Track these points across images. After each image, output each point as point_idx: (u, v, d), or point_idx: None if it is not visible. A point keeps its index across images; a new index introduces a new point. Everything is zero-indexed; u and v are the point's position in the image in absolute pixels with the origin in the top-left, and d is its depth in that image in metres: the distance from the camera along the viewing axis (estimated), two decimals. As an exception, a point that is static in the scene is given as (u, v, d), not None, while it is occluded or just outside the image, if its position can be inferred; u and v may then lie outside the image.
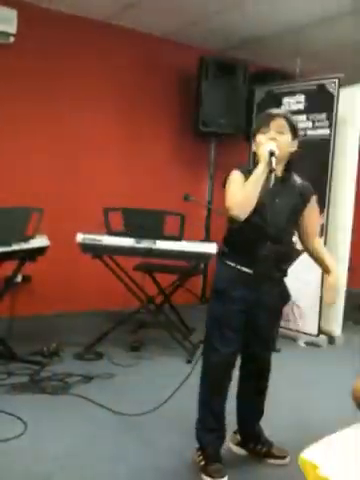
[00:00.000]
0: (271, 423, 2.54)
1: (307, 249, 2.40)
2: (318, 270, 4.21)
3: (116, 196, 4.58)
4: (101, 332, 3.86)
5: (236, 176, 2.16)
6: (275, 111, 2.23)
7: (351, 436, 1.55)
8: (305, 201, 2.28)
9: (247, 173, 2.14)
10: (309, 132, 4.36)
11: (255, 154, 2.20)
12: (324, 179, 4.22)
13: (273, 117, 2.17)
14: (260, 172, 2.07)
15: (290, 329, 4.48)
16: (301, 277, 4.39)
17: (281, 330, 4.47)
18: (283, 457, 2.39)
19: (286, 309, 4.46)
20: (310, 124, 4.35)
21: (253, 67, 5.04)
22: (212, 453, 2.28)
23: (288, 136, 2.17)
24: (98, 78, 4.78)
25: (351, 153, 4.30)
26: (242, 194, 2.08)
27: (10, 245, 3.19)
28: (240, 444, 2.47)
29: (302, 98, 4.42)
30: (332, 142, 4.20)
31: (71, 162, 4.71)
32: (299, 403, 3.08)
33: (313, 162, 4.33)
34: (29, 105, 4.48)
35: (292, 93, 4.49)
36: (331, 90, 4.22)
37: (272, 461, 2.39)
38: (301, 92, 4.43)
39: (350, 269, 4.44)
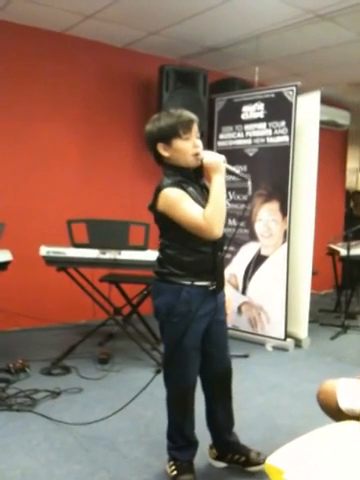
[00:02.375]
0: (239, 429, 2.55)
1: None
2: (283, 275, 4.33)
3: (79, 208, 4.57)
4: (68, 346, 3.82)
5: (181, 195, 2.03)
6: (191, 114, 2.12)
7: (315, 440, 1.57)
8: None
9: (182, 188, 2.05)
10: (269, 139, 4.44)
11: (161, 159, 2.13)
12: (285, 185, 4.30)
13: (193, 121, 2.09)
14: (222, 185, 2.05)
15: (257, 334, 4.52)
16: (266, 283, 4.46)
17: (249, 335, 4.55)
18: (263, 460, 2.34)
19: (253, 314, 4.54)
20: (270, 132, 4.43)
21: (213, 75, 5.09)
22: (185, 465, 2.27)
23: (200, 141, 2.14)
24: (57, 90, 4.74)
25: (311, 159, 4.39)
26: (218, 210, 2.02)
27: (-29, 261, 3.14)
28: (218, 458, 2.42)
29: (261, 106, 4.49)
30: (292, 149, 4.28)
31: (31, 175, 4.65)
32: (267, 408, 3.11)
33: (274, 169, 4.43)
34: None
35: (251, 101, 4.56)
36: (289, 98, 4.31)
37: (253, 469, 2.34)
38: (260, 100, 4.51)
39: (313, 273, 4.52)
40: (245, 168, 4.60)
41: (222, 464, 2.42)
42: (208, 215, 2.00)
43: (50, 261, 3.63)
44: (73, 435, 2.64)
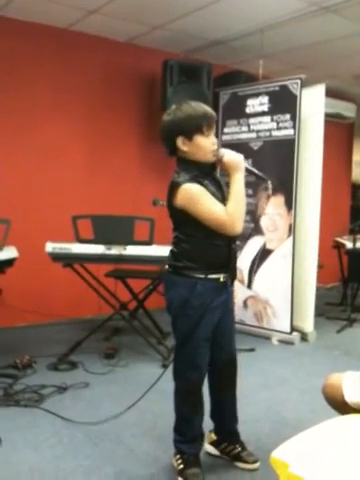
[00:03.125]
0: (246, 422, 2.56)
1: None
2: (289, 268, 4.32)
3: (84, 204, 4.57)
4: (75, 341, 3.84)
5: (200, 191, 2.05)
6: (213, 112, 2.14)
7: (321, 433, 1.57)
8: None
9: (199, 183, 2.06)
10: (274, 133, 4.42)
11: (178, 153, 2.12)
12: (290, 179, 4.29)
13: (214, 119, 2.12)
14: (242, 182, 2.09)
15: (263, 328, 4.52)
16: (272, 276, 4.46)
17: (255, 329, 4.55)
18: (253, 461, 2.35)
19: (259, 308, 4.54)
20: (274, 125, 4.41)
21: (217, 69, 5.07)
22: (192, 459, 2.28)
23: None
24: (61, 86, 4.74)
25: (316, 152, 4.37)
26: (240, 207, 2.07)
27: (-23, 258, 3.15)
28: (214, 443, 2.47)
29: (266, 99, 4.48)
30: (297, 142, 4.27)
31: (37, 172, 4.65)
32: (273, 402, 3.12)
33: (279, 162, 4.41)
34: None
35: (256, 95, 4.54)
36: (294, 91, 4.29)
37: (241, 465, 2.36)
38: (265, 93, 4.49)
39: (319, 266, 4.51)
40: (250, 162, 4.57)
41: (215, 451, 2.45)
42: (231, 211, 2.05)
43: (56, 257, 3.65)
44: (80, 430, 2.66)
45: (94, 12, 4.33)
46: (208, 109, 2.13)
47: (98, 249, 3.61)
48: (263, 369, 3.73)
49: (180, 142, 2.09)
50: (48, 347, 3.97)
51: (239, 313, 4.63)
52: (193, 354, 2.21)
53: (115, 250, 3.60)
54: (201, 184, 2.07)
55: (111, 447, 2.51)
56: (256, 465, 2.35)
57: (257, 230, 4.56)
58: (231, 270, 2.22)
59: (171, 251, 2.24)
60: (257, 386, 3.37)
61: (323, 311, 5.26)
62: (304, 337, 4.44)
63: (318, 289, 4.55)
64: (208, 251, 2.15)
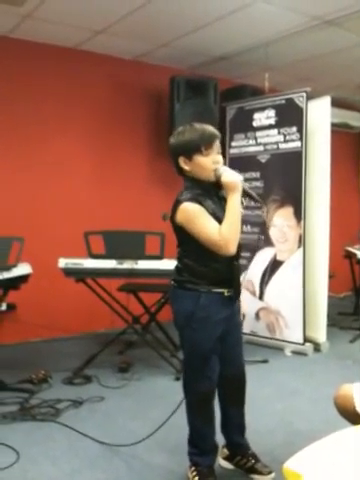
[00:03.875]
0: (260, 434, 2.58)
1: None
2: (300, 279, 4.34)
3: (95, 219, 4.64)
4: (89, 355, 3.88)
5: (197, 210, 2.10)
6: (215, 131, 2.19)
7: (334, 444, 1.59)
8: None
9: (199, 203, 2.11)
10: (281, 145, 4.47)
11: (183, 172, 2.19)
12: (298, 190, 4.32)
13: (215, 138, 2.16)
14: (238, 203, 2.11)
15: (276, 339, 4.54)
16: (284, 288, 4.48)
17: (267, 341, 4.57)
18: (268, 473, 2.37)
19: (271, 319, 4.56)
20: (281, 138, 4.46)
21: (223, 84, 5.13)
22: (206, 471, 2.31)
23: (221, 156, 2.20)
24: (69, 104, 4.83)
25: (323, 163, 4.40)
26: (233, 229, 2.08)
27: (-7, 275, 3.21)
28: (228, 458, 2.49)
29: (272, 113, 4.53)
30: (304, 154, 4.31)
31: (47, 189, 4.73)
32: (287, 413, 3.13)
33: (287, 174, 4.46)
34: (1, 134, 4.51)
35: (262, 108, 4.60)
36: (299, 104, 4.34)
37: (256, 477, 2.38)
38: (271, 107, 4.54)
39: (331, 276, 4.53)
40: (258, 174, 4.63)
41: (230, 465, 2.48)
42: (223, 232, 2.07)
43: (69, 273, 3.70)
44: (96, 444, 2.69)
45: (101, 32, 4.43)
46: (208, 129, 2.18)
47: (110, 264, 3.66)
48: (276, 380, 3.74)
49: (182, 162, 2.18)
50: (62, 361, 4.02)
51: (251, 324, 4.65)
52: (201, 366, 2.24)
53: (127, 264, 3.65)
54: (201, 203, 2.11)
55: (127, 460, 2.54)
56: (271, 476, 2.37)
57: (267, 242, 4.60)
58: (235, 286, 2.23)
59: (176, 266, 2.29)
60: (270, 397, 3.39)
61: (336, 321, 5.26)
62: (317, 347, 4.44)
63: (330, 299, 4.55)
64: (210, 267, 2.18)
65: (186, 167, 2.18)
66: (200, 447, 2.33)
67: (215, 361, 2.27)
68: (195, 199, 2.11)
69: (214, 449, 2.37)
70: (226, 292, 2.21)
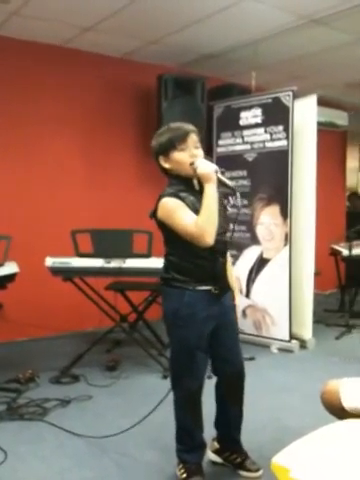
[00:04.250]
0: (248, 430, 2.59)
1: None
2: (286, 277, 4.37)
3: (84, 219, 4.61)
4: (76, 354, 3.87)
5: (175, 204, 2.13)
6: (188, 126, 2.22)
7: (321, 438, 1.62)
8: (225, 208, 2.38)
9: (179, 198, 2.13)
10: (268, 144, 4.50)
11: (166, 171, 2.24)
12: (285, 188, 4.36)
13: (188, 133, 2.19)
14: (213, 193, 2.11)
15: (263, 336, 4.57)
16: (270, 285, 4.51)
17: (254, 338, 4.60)
18: (256, 470, 2.39)
19: (258, 317, 4.59)
20: (268, 136, 4.48)
21: (211, 82, 5.15)
22: (194, 468, 2.32)
23: (201, 150, 2.22)
24: (58, 102, 4.81)
25: (309, 162, 4.43)
26: (207, 219, 2.07)
27: (-21, 274, 3.19)
28: (217, 452, 2.51)
29: (259, 111, 4.55)
30: (290, 152, 4.34)
31: (35, 188, 4.71)
32: (275, 409, 3.16)
33: (273, 173, 4.49)
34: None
35: (249, 107, 4.62)
36: (286, 102, 4.37)
37: (244, 473, 2.41)
38: (258, 106, 4.57)
39: (316, 274, 4.57)
40: (245, 173, 4.66)
41: (218, 459, 2.50)
42: (199, 223, 2.07)
43: (56, 271, 3.69)
44: (85, 442, 2.69)
45: (89, 29, 4.42)
46: (182, 126, 2.22)
47: (97, 262, 3.66)
48: (263, 377, 3.77)
49: (162, 161, 2.23)
50: (50, 361, 4.01)
51: (238, 322, 4.67)
52: (187, 363, 2.25)
53: (114, 263, 3.65)
54: (180, 198, 2.14)
55: (116, 458, 2.55)
56: (259, 473, 2.39)
57: (254, 239, 4.63)
58: (219, 282, 2.24)
59: (163, 264, 2.31)
60: (258, 394, 3.40)
61: (322, 318, 5.31)
62: (303, 344, 4.48)
63: (316, 296, 4.60)
64: (194, 264, 2.19)
65: (166, 165, 2.22)
66: (187, 444, 2.35)
67: (202, 359, 2.28)
68: (175, 194, 2.15)
69: (202, 446, 2.39)
70: (213, 289, 2.22)
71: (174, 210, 2.12)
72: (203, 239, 2.07)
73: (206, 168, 2.13)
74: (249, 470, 2.41)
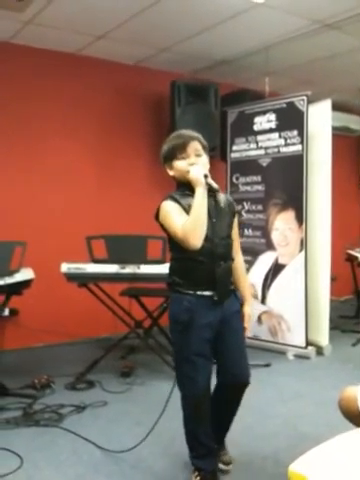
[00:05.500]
0: (263, 436, 2.58)
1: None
2: (302, 282, 4.34)
3: (97, 224, 4.64)
4: (91, 360, 3.88)
5: (172, 206, 2.17)
6: (189, 134, 2.26)
7: (338, 446, 1.59)
8: (234, 215, 2.37)
9: (176, 201, 2.18)
10: (282, 149, 4.48)
11: (174, 178, 2.29)
12: (300, 194, 4.33)
13: (188, 141, 2.22)
14: (202, 197, 2.12)
15: (278, 343, 4.53)
16: (285, 291, 4.48)
17: (269, 344, 4.56)
18: (228, 463, 2.45)
19: (273, 323, 4.55)
20: (282, 141, 4.47)
21: (224, 88, 5.15)
22: (209, 476, 2.31)
23: (205, 157, 2.26)
24: (71, 109, 4.85)
25: (324, 166, 4.41)
26: (193, 222, 2.08)
27: (-5, 280, 3.21)
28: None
29: (273, 117, 4.54)
30: (305, 157, 4.32)
31: (49, 194, 4.75)
32: (290, 416, 3.12)
33: (288, 178, 4.47)
34: (4, 139, 4.53)
35: (263, 112, 4.62)
36: (300, 107, 4.35)
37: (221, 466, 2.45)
38: (272, 111, 4.56)
39: (332, 279, 4.53)
40: (259, 178, 4.65)
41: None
42: (186, 226, 2.08)
43: (71, 277, 3.71)
44: (100, 449, 2.69)
45: (102, 37, 4.46)
46: (183, 134, 2.28)
47: (112, 268, 3.66)
48: (279, 384, 3.73)
49: (167, 169, 2.30)
50: (65, 367, 4.01)
51: (253, 328, 4.64)
52: (187, 368, 2.24)
53: (129, 269, 3.65)
54: (177, 202, 2.18)
55: (131, 465, 2.53)
56: (228, 467, 2.45)
57: (269, 245, 4.60)
58: (219, 288, 2.21)
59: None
60: (273, 401, 3.38)
61: (337, 324, 5.25)
62: (319, 351, 4.43)
63: (332, 302, 4.55)
64: (192, 267, 2.19)
65: (171, 173, 2.28)
66: (197, 450, 2.34)
67: (203, 365, 2.24)
68: (173, 198, 2.20)
69: (212, 452, 2.37)
70: (215, 296, 2.20)
71: (168, 212, 2.17)
72: (188, 241, 2.07)
73: (195, 173, 2.16)
74: (223, 462, 2.46)
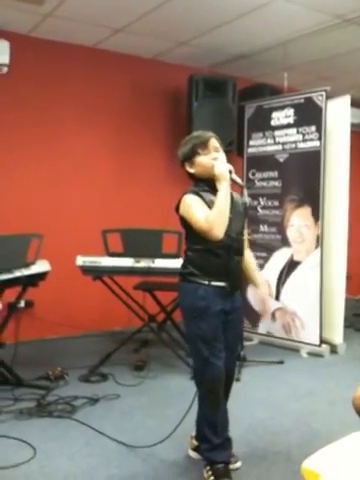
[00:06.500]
0: (276, 433, 2.57)
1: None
2: (317, 280, 4.31)
3: (113, 218, 4.65)
4: (105, 353, 3.90)
5: (194, 200, 2.27)
6: (208, 133, 2.38)
7: (352, 444, 1.58)
8: (246, 213, 2.47)
9: (199, 195, 2.28)
10: (300, 145, 4.44)
11: (191, 175, 2.38)
12: (317, 190, 4.30)
13: (208, 139, 2.34)
14: (227, 190, 2.23)
15: (292, 340, 4.51)
16: (300, 288, 4.45)
17: (283, 341, 4.55)
18: (235, 462, 2.44)
19: (287, 320, 4.53)
20: (300, 137, 4.43)
21: (242, 82, 5.12)
22: (222, 469, 2.32)
23: (222, 153, 2.36)
24: (89, 103, 4.87)
25: (342, 163, 4.37)
26: (218, 213, 2.19)
27: (12, 272, 3.24)
28: (196, 449, 2.55)
29: (291, 112, 4.51)
30: (323, 153, 4.28)
31: (66, 187, 4.77)
32: (304, 413, 3.11)
33: (305, 174, 4.43)
34: (24, 133, 4.56)
35: (281, 107, 4.58)
36: (319, 103, 4.31)
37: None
38: (290, 106, 4.52)
39: (348, 277, 4.49)
40: (276, 174, 4.61)
41: (198, 456, 2.52)
42: (209, 217, 2.19)
43: (86, 270, 3.73)
44: (112, 441, 2.70)
45: (120, 31, 4.45)
46: (203, 133, 2.39)
47: (127, 262, 3.67)
48: (292, 381, 3.72)
49: (188, 167, 2.39)
50: (79, 359, 4.04)
51: (267, 325, 4.64)
52: (206, 353, 2.30)
53: (144, 263, 3.66)
54: (199, 195, 2.28)
55: (143, 457, 2.55)
56: (238, 464, 2.45)
57: (284, 241, 4.58)
58: (231, 279, 2.32)
59: (182, 259, 2.43)
60: (286, 398, 3.37)
61: (352, 322, 5.22)
62: (333, 349, 4.40)
63: (347, 300, 4.51)
64: (209, 259, 2.30)
65: (191, 170, 2.37)
66: (212, 441, 2.36)
67: (219, 349, 2.33)
68: (195, 192, 2.31)
69: (227, 443, 2.40)
70: (227, 286, 2.31)
71: (190, 205, 2.26)
72: (211, 233, 2.17)
73: (220, 168, 2.26)
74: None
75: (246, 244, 2.50)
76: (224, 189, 2.22)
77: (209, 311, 2.28)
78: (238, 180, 2.33)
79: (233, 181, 2.30)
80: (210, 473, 2.32)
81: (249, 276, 2.55)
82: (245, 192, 2.38)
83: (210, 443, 2.36)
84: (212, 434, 2.36)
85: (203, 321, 2.28)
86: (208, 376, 2.32)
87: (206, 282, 2.29)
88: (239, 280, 2.40)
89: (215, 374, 2.32)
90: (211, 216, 2.19)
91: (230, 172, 2.25)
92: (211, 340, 2.30)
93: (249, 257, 2.55)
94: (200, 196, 2.28)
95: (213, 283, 2.30)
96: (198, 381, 2.39)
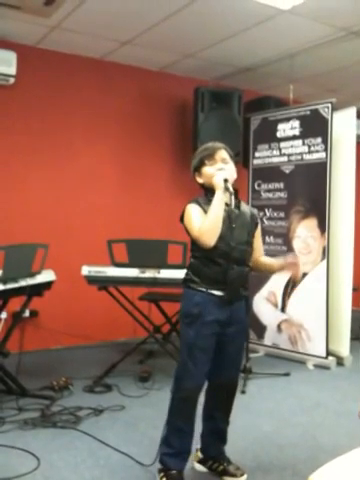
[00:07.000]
0: (282, 446, 2.54)
1: (253, 267, 2.51)
2: (323, 293, 4.29)
3: (119, 228, 4.67)
4: (109, 364, 3.88)
5: (194, 208, 2.31)
6: (216, 144, 2.42)
7: (358, 458, 1.56)
8: (256, 225, 2.47)
9: (201, 205, 2.31)
10: (305, 156, 4.45)
11: (202, 186, 2.42)
12: (323, 201, 4.29)
13: (216, 150, 2.38)
14: (219, 198, 2.24)
15: (298, 352, 4.48)
16: (306, 300, 4.43)
17: (289, 353, 4.52)
18: (241, 475, 2.43)
19: (293, 332, 4.51)
20: (306, 149, 4.44)
21: (247, 95, 5.14)
22: (176, 475, 2.33)
23: (231, 165, 2.40)
24: (96, 114, 4.90)
25: (348, 174, 4.37)
26: (208, 221, 2.22)
27: (17, 281, 3.24)
28: (201, 461, 2.54)
29: (297, 124, 4.52)
30: (329, 165, 4.28)
31: (72, 197, 4.79)
32: (310, 427, 3.07)
33: (311, 185, 4.43)
34: (30, 144, 4.59)
35: (287, 119, 4.59)
36: (324, 114, 4.32)
37: (229, 479, 2.43)
38: (295, 118, 4.53)
39: (354, 289, 4.46)
40: (282, 185, 4.62)
41: (203, 468, 2.53)
42: (202, 225, 2.23)
43: (91, 280, 3.73)
44: (116, 452, 2.68)
45: (127, 43, 4.49)
46: (211, 144, 2.42)
47: (133, 272, 3.67)
48: (298, 394, 3.69)
49: (197, 177, 2.44)
50: (83, 369, 4.03)
51: (273, 337, 4.61)
52: (188, 361, 2.30)
53: (149, 273, 3.66)
54: (200, 205, 2.32)
55: (147, 469, 2.52)
56: (243, 478, 2.42)
57: (290, 253, 4.56)
58: (230, 289, 2.30)
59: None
60: (292, 410, 3.34)
61: (358, 334, 5.17)
62: (340, 361, 4.37)
63: (353, 312, 4.48)
64: (208, 267, 2.30)
65: (200, 180, 2.42)
66: (175, 447, 2.35)
67: (204, 360, 2.31)
68: (196, 201, 2.35)
69: (187, 452, 2.39)
70: (224, 295, 2.30)
71: (189, 214, 2.31)
72: (201, 239, 2.21)
73: (217, 177, 2.30)
74: (234, 475, 2.43)
75: (261, 253, 2.54)
76: (217, 197, 2.24)
77: (201, 320, 2.27)
78: (230, 187, 2.32)
79: (226, 190, 2.30)
80: (164, 479, 2.33)
81: (270, 267, 2.54)
82: (232, 199, 2.31)
83: (171, 448, 2.35)
84: (175, 440, 2.35)
85: (192, 328, 2.29)
86: (185, 384, 2.32)
87: (203, 289, 2.30)
88: (238, 290, 2.36)
89: (191, 385, 2.32)
90: (203, 224, 2.22)
91: (225, 181, 2.27)
92: (195, 349, 2.29)
93: (263, 257, 2.56)
94: (201, 206, 2.32)
95: (210, 291, 2.30)
96: (175, 387, 2.37)
